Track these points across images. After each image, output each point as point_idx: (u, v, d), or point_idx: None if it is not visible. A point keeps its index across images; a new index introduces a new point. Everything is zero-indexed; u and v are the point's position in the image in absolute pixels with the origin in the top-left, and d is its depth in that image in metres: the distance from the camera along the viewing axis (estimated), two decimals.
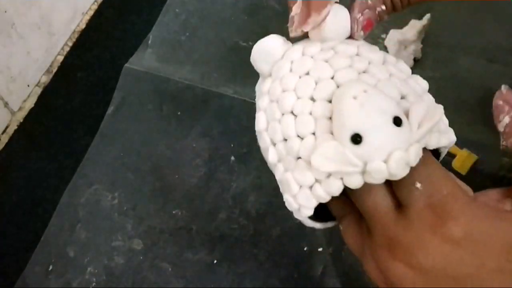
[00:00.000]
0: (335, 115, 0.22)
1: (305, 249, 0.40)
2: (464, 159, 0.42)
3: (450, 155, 0.42)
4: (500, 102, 0.26)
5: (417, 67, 0.48)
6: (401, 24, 0.49)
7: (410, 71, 0.24)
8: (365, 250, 0.23)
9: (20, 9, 0.46)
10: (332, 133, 0.21)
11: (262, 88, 0.26)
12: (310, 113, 0.22)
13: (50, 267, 0.41)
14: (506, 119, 0.25)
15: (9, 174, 0.46)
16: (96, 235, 0.42)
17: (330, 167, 0.21)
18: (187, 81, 0.49)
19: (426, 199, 0.21)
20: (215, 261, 0.40)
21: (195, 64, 0.50)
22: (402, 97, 0.22)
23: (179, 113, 0.48)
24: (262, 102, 0.25)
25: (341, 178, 0.21)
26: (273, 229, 0.41)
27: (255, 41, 0.45)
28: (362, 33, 0.24)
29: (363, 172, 0.21)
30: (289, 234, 0.41)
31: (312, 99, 0.23)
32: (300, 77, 0.24)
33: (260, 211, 0.42)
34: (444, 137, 0.23)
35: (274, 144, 0.24)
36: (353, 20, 0.24)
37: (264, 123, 0.25)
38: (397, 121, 0.20)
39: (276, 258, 0.40)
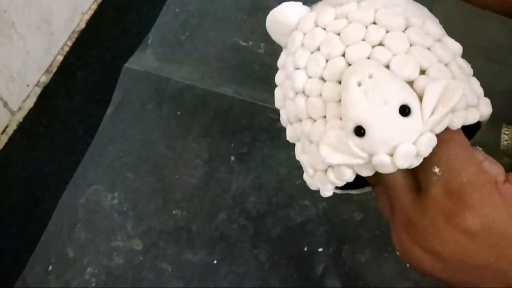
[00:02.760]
0: (342, 101, 0.20)
1: (305, 249, 0.40)
2: None
3: None
4: None
5: None
6: None
7: (440, 32, 0.21)
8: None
9: (20, 9, 0.46)
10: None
11: (279, 61, 0.24)
12: (320, 95, 0.21)
13: (50, 267, 0.41)
14: None
15: (9, 174, 0.46)
16: (95, 235, 0.42)
17: (335, 158, 0.19)
18: (187, 81, 0.49)
19: (443, 185, 0.19)
20: (215, 261, 0.40)
21: (195, 64, 0.50)
22: (422, 71, 0.20)
23: (179, 113, 0.48)
24: (278, 77, 0.24)
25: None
26: (273, 229, 0.41)
27: (255, 41, 0.46)
28: None
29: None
30: (289, 235, 0.41)
31: (322, 79, 0.21)
32: (311, 53, 0.21)
33: (260, 211, 0.42)
34: (472, 113, 0.20)
35: (291, 123, 0.23)
36: None
37: (280, 100, 0.23)
38: (405, 110, 0.18)
39: (276, 259, 0.40)
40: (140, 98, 0.49)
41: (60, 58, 0.52)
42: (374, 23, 0.21)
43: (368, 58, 0.20)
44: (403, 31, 0.20)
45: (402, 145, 0.18)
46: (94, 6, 0.55)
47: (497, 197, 0.19)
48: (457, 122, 0.20)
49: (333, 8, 0.22)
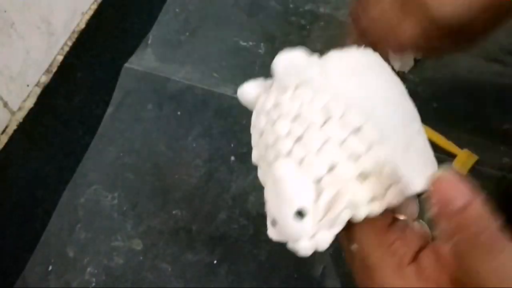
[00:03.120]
0: None
1: None
2: (465, 160, 0.42)
3: (451, 156, 0.42)
4: None
5: (418, 67, 0.48)
6: None
7: (359, 122, 0.22)
8: None
9: (20, 9, 0.45)
10: None
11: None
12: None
13: (50, 267, 0.41)
14: None
15: (9, 174, 0.46)
16: (95, 235, 0.42)
17: (274, 236, 0.23)
18: (187, 81, 0.49)
19: (360, 260, 0.22)
20: (215, 262, 0.40)
21: (195, 64, 0.50)
22: (331, 168, 0.22)
23: (179, 113, 0.48)
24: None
25: None
26: None
27: (255, 41, 0.45)
28: None
29: None
30: None
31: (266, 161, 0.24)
32: (260, 136, 0.25)
33: (260, 211, 0.42)
34: (375, 205, 0.22)
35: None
36: None
37: (255, 157, 0.26)
38: (300, 213, 0.21)
39: (276, 259, 0.40)
40: (140, 98, 0.49)
41: (60, 58, 0.52)
42: (298, 116, 0.23)
43: (290, 151, 0.23)
44: (323, 124, 0.22)
45: (299, 242, 0.22)
46: (94, 6, 0.55)
47: (398, 279, 0.21)
48: (358, 216, 0.22)
49: (275, 94, 0.24)
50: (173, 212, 0.43)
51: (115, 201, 0.43)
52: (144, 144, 0.46)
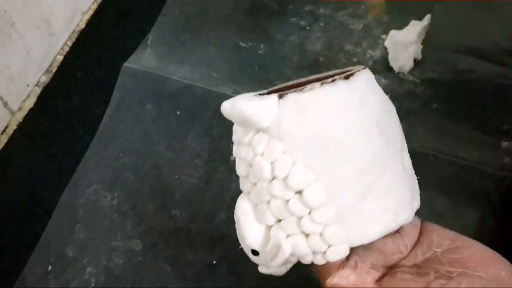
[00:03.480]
0: None
1: None
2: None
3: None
4: None
5: (418, 68, 0.48)
6: (401, 25, 0.49)
7: (301, 186, 0.22)
8: None
9: (20, 9, 0.46)
10: None
11: None
12: None
13: (49, 267, 0.41)
14: None
15: (9, 174, 0.46)
16: (95, 235, 0.42)
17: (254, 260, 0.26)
18: (186, 80, 0.49)
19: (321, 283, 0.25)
20: (214, 262, 0.40)
21: (195, 64, 0.50)
22: (278, 221, 0.23)
23: (178, 112, 0.48)
24: None
25: None
26: None
27: (254, 41, 0.45)
28: None
29: None
30: None
31: None
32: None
33: None
34: (318, 257, 0.23)
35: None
36: None
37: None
38: (254, 251, 0.25)
39: None
40: (139, 98, 0.49)
41: (60, 58, 0.52)
42: (251, 166, 0.24)
43: (250, 192, 0.24)
44: (271, 179, 0.23)
45: (259, 267, 0.25)
46: (94, 6, 0.55)
47: None
48: (305, 261, 0.24)
49: (241, 131, 0.25)
50: (173, 212, 0.43)
51: (115, 201, 0.43)
52: (143, 144, 0.46)
